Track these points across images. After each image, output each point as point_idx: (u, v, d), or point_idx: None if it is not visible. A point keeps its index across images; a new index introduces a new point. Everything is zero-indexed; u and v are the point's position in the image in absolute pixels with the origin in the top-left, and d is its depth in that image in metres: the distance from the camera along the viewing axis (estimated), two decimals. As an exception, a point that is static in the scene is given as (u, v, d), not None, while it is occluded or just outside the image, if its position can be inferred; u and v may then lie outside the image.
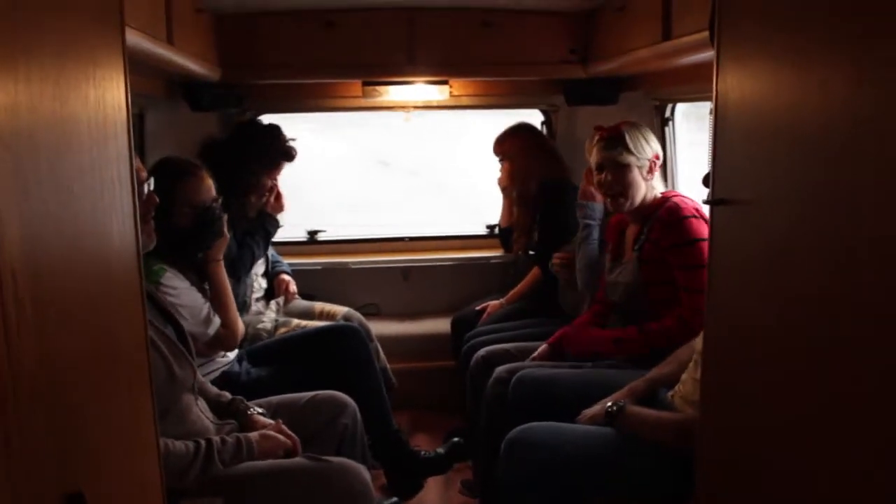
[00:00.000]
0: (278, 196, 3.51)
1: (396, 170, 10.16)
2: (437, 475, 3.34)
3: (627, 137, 2.77)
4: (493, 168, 3.94)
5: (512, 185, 3.86)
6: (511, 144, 3.83)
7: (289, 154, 3.49)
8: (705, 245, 2.54)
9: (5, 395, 0.90)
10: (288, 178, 3.64)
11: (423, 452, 3.29)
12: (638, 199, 2.78)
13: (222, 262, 2.77)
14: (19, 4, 1.00)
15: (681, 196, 2.74)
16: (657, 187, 2.82)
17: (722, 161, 1.59)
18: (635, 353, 2.68)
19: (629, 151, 2.76)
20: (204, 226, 2.68)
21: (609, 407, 2.32)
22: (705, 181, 2.18)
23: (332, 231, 4.58)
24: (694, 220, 2.60)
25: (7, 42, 0.96)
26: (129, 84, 1.43)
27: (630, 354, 2.70)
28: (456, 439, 3.36)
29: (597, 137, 2.85)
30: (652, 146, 2.81)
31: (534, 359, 2.98)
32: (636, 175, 2.77)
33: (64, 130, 1.13)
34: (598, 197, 3.11)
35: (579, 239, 3.20)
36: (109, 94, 1.34)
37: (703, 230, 2.55)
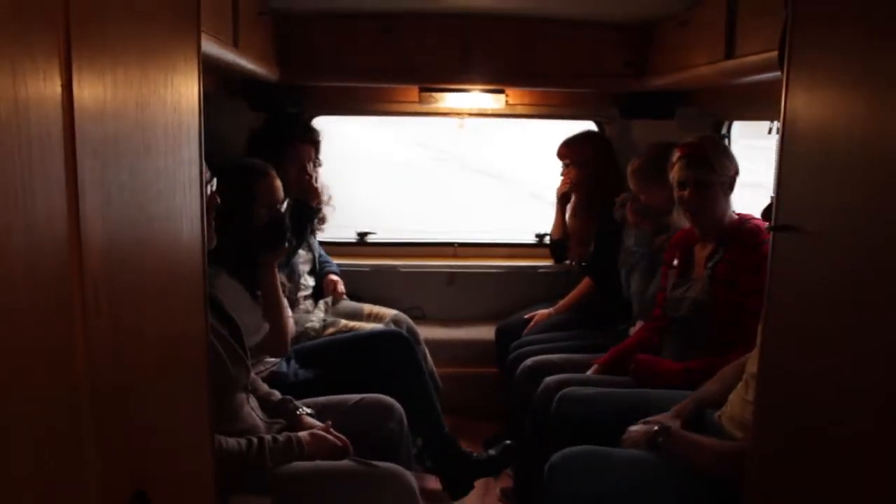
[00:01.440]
0: (310, 183, 3.47)
1: (431, 149, 10.79)
2: (489, 477, 3.35)
3: (712, 155, 2.69)
4: (511, 155, 3.94)
5: (573, 193, 3.83)
6: (582, 151, 3.81)
7: (305, 136, 3.47)
8: None
9: (83, 396, 0.93)
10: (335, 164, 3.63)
11: (474, 455, 3.29)
12: (717, 216, 2.73)
13: (276, 268, 2.77)
14: (108, 14, 1.04)
15: (761, 220, 2.68)
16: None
17: (787, 186, 1.57)
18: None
19: (712, 170, 2.69)
20: (276, 229, 2.67)
21: (655, 430, 2.28)
22: (765, 214, 2.15)
23: (381, 232, 4.63)
24: None
25: (98, 49, 0.99)
26: (202, 88, 1.47)
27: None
28: (508, 442, 3.34)
29: (678, 154, 2.78)
30: (733, 162, 2.73)
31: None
32: (718, 193, 2.70)
33: (144, 135, 1.16)
34: (643, 223, 3.17)
35: (630, 265, 3.19)
36: (185, 98, 1.37)
37: None
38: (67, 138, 0.88)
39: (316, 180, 3.49)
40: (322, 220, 3.64)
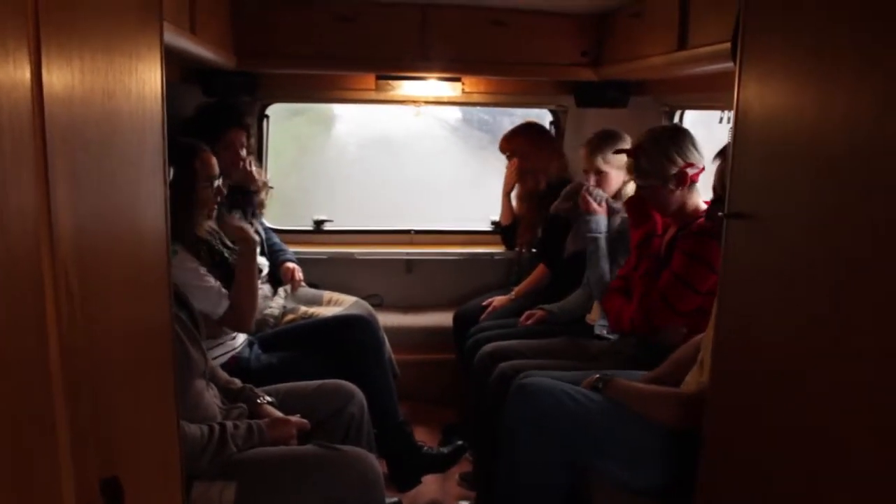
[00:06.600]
0: (244, 167, 3.45)
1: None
2: (436, 473, 3.35)
3: (644, 159, 2.73)
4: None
5: (517, 182, 3.92)
6: (520, 142, 3.89)
7: (235, 120, 3.45)
8: (711, 276, 2.54)
9: (56, 384, 0.93)
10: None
11: (425, 448, 3.31)
12: (668, 211, 2.77)
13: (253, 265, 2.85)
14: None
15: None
16: (699, 195, 2.78)
17: (739, 175, 1.63)
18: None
19: (646, 172, 2.73)
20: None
21: (596, 381, 2.40)
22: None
23: (337, 220, 4.62)
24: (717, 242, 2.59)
25: (66, 34, 0.99)
26: (164, 77, 1.46)
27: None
28: (460, 442, 3.37)
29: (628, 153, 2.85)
30: (679, 159, 2.70)
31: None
32: (660, 191, 2.73)
33: (110, 123, 1.16)
34: (600, 210, 3.21)
35: (589, 253, 3.23)
36: (148, 87, 1.36)
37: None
38: (37, 125, 0.88)
39: (249, 165, 3.47)
40: (261, 206, 3.63)
